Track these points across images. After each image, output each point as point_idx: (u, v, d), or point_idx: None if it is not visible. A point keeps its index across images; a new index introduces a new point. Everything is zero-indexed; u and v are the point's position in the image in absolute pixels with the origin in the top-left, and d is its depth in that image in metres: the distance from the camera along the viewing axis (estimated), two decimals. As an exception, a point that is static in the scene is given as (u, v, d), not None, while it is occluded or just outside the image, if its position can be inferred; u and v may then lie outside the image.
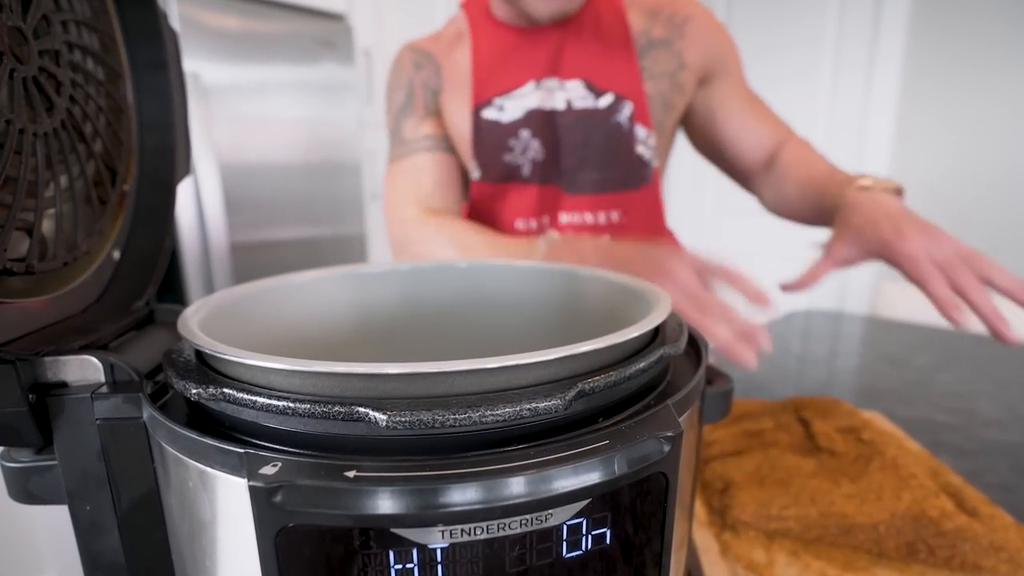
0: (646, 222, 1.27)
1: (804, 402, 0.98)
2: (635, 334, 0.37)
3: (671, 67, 1.19)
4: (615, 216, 1.24)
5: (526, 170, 1.22)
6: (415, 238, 1.17)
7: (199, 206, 2.16)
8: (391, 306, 0.62)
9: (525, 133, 1.19)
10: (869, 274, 2.85)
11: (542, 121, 1.19)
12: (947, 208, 2.62)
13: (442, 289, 0.63)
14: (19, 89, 0.38)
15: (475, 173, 1.23)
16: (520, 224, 1.25)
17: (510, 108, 1.18)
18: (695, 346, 0.48)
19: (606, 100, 1.17)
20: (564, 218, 1.24)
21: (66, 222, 0.44)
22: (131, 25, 0.53)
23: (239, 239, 2.29)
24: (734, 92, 1.25)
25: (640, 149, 1.21)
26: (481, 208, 1.27)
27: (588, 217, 1.23)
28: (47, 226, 0.42)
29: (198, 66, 2.11)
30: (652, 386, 0.40)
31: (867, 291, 2.86)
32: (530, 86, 1.18)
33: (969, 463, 0.93)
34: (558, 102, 1.18)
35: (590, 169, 1.21)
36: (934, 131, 2.61)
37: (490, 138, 1.19)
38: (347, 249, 2.68)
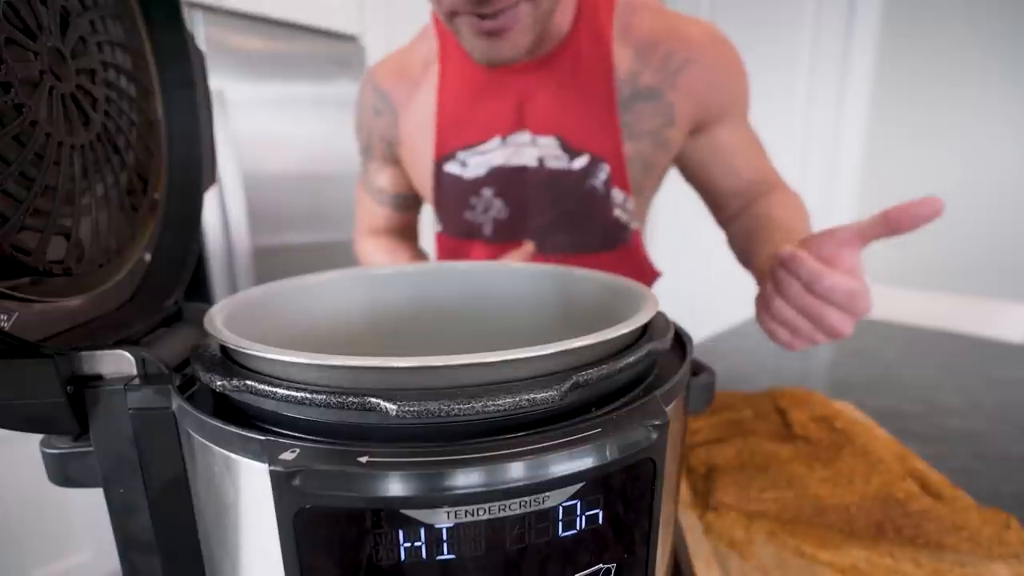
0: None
1: (781, 393, 0.98)
2: (625, 330, 0.37)
3: (656, 124, 0.97)
4: None
5: (487, 229, 1.08)
6: (362, 260, 1.23)
7: (224, 213, 2.16)
8: (399, 304, 0.62)
9: (487, 192, 1.04)
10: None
11: (507, 179, 1.02)
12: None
13: (446, 289, 0.63)
14: (58, 105, 0.38)
15: (437, 226, 1.12)
16: None
17: (473, 164, 1.02)
18: (681, 341, 0.48)
19: (580, 162, 0.98)
20: None
21: (101, 227, 0.44)
22: (161, 46, 0.53)
23: (260, 243, 2.29)
24: (730, 136, 1.01)
25: (618, 212, 1.03)
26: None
27: None
28: (84, 231, 0.42)
29: (223, 84, 2.11)
30: (641, 378, 0.40)
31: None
32: (495, 142, 1.01)
33: (933, 449, 0.93)
34: (528, 159, 1.00)
35: (562, 231, 1.05)
36: (903, 146, 2.62)
37: (451, 193, 1.06)
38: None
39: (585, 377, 0.33)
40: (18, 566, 1.90)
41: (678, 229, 3.44)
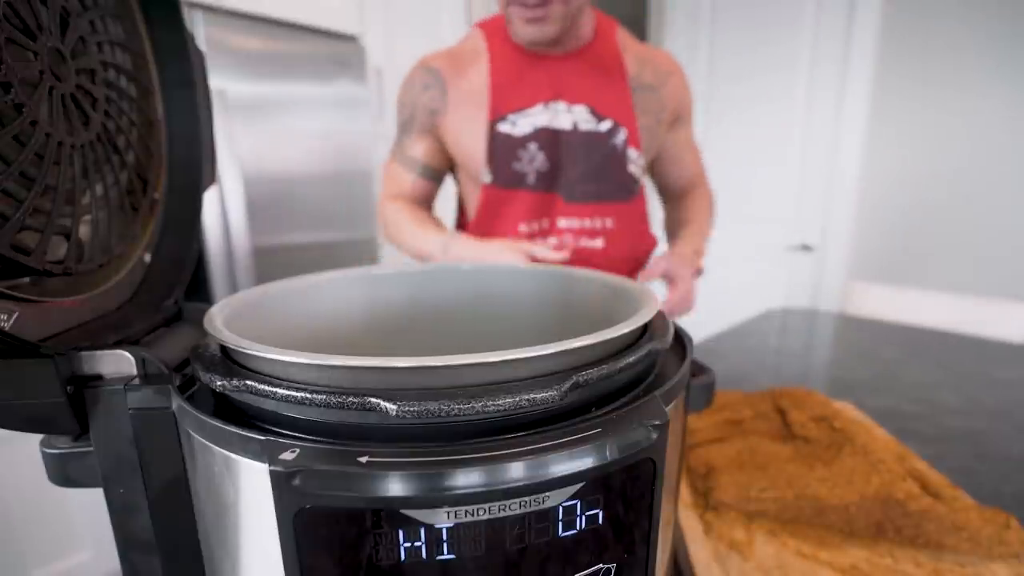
0: (634, 229, 1.36)
1: (781, 393, 0.98)
2: (625, 330, 0.37)
3: (656, 107, 1.32)
4: (609, 223, 1.32)
5: (531, 178, 1.29)
6: (387, 218, 1.37)
7: (224, 212, 2.16)
8: (400, 305, 0.62)
9: (533, 146, 1.26)
10: (841, 275, 2.85)
11: (548, 138, 1.26)
12: (912, 214, 2.62)
13: (447, 289, 0.63)
14: (58, 105, 0.38)
15: (487, 177, 1.29)
16: (523, 227, 1.31)
17: (521, 124, 1.26)
18: (681, 342, 0.48)
19: (606, 125, 1.28)
20: (563, 223, 1.31)
21: (101, 227, 0.44)
22: (161, 45, 0.53)
23: (260, 243, 2.29)
24: (686, 138, 1.45)
25: (632, 168, 1.31)
26: (490, 210, 1.32)
27: (587, 223, 1.31)
28: (84, 231, 0.42)
29: (223, 83, 2.10)
30: (641, 378, 0.40)
31: (839, 290, 2.86)
32: (539, 107, 1.25)
33: (933, 449, 0.93)
34: (565, 122, 1.27)
35: (589, 182, 1.30)
36: (901, 146, 2.62)
37: (502, 148, 1.26)
38: (360, 252, 2.67)
39: (585, 377, 0.33)
40: (18, 566, 1.90)
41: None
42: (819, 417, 0.89)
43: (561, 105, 1.27)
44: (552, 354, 0.33)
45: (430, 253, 1.24)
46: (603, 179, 1.30)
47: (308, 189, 2.44)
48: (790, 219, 3.02)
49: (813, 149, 2.88)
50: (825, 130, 2.82)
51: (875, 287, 2.63)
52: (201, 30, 2.03)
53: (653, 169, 1.49)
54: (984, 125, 2.43)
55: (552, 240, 1.31)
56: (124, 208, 0.48)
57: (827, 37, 2.74)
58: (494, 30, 1.31)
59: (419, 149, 1.34)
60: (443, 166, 1.39)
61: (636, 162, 1.31)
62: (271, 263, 2.33)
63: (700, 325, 3.06)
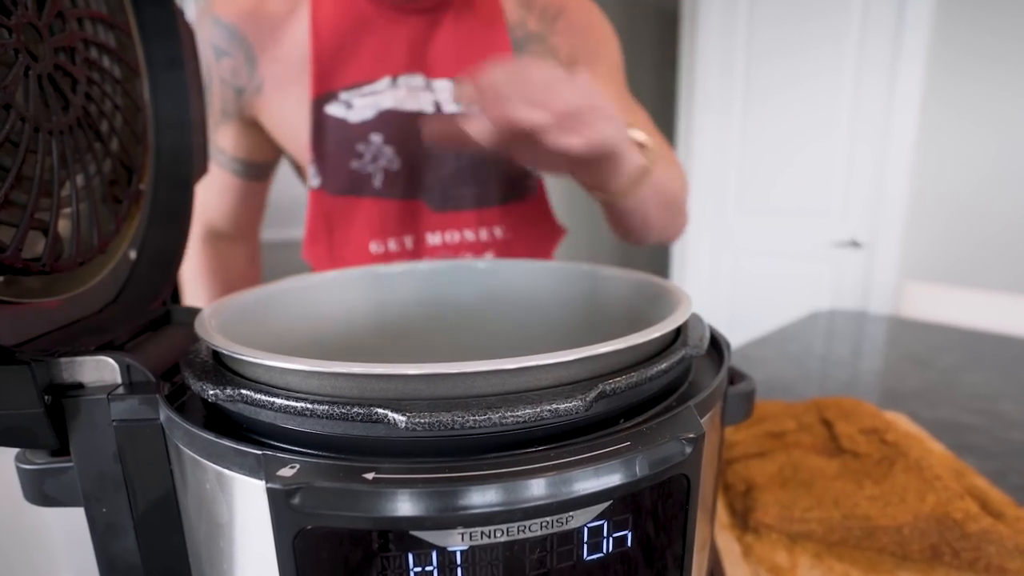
0: (534, 235, 1.14)
1: (827, 403, 0.97)
2: (657, 334, 0.37)
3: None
4: (498, 232, 1.10)
5: (377, 181, 1.04)
6: (184, 275, 1.17)
7: (215, 205, 2.17)
8: (409, 306, 0.62)
9: (376, 138, 1.01)
10: (893, 274, 2.83)
11: (400, 125, 1.01)
12: (971, 206, 2.60)
13: (461, 289, 0.63)
14: (34, 87, 0.38)
15: (314, 181, 1.04)
16: (375, 247, 1.07)
17: (359, 106, 1.00)
18: (717, 346, 0.48)
19: None
20: (433, 239, 1.08)
21: (82, 221, 0.44)
22: (148, 22, 0.53)
23: (255, 238, 2.30)
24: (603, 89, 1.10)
25: None
26: (323, 225, 1.07)
27: (468, 235, 1.08)
28: (63, 225, 0.42)
29: (214, 64, 2.11)
30: (674, 387, 0.40)
31: (891, 291, 2.85)
32: (384, 82, 1.00)
33: (994, 465, 0.92)
34: (424, 103, 1.02)
35: (465, 183, 1.07)
36: (959, 129, 2.59)
37: (334, 139, 1.01)
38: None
39: (612, 386, 0.33)
40: (-8, 590, 1.91)
41: (716, 228, 3.44)
42: (869, 430, 0.88)
43: (418, 79, 1.01)
44: (576, 360, 0.33)
45: None
46: (484, 178, 1.07)
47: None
48: (836, 212, 3.01)
49: (862, 133, 2.85)
50: (875, 111, 2.79)
51: (930, 287, 2.60)
52: (191, 5, 2.04)
53: None
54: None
55: (425, 262, 1.00)
56: (107, 200, 0.48)
57: (878, 7, 2.72)
58: None
59: (226, 138, 1.08)
60: (266, 157, 1.15)
61: None
62: (268, 261, 2.34)
63: (739, 329, 3.05)
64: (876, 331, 1.79)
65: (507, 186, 1.08)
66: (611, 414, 0.35)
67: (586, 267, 0.60)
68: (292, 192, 2.41)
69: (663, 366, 0.36)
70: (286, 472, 0.29)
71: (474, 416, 0.30)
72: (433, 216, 1.06)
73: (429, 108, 1.01)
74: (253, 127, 1.07)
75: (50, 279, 0.42)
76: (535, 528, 0.29)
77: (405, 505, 0.28)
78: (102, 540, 0.40)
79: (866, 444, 0.84)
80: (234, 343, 0.36)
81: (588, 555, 0.31)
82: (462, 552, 0.29)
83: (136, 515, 0.39)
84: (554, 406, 0.31)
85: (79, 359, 0.38)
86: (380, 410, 0.30)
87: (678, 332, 0.43)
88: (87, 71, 0.45)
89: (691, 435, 0.33)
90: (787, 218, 3.15)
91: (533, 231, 1.13)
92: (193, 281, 1.17)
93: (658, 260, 4.31)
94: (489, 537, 0.29)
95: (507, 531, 0.29)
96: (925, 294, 2.42)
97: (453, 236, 1.07)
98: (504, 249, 1.09)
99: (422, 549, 0.29)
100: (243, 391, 0.33)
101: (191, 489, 0.36)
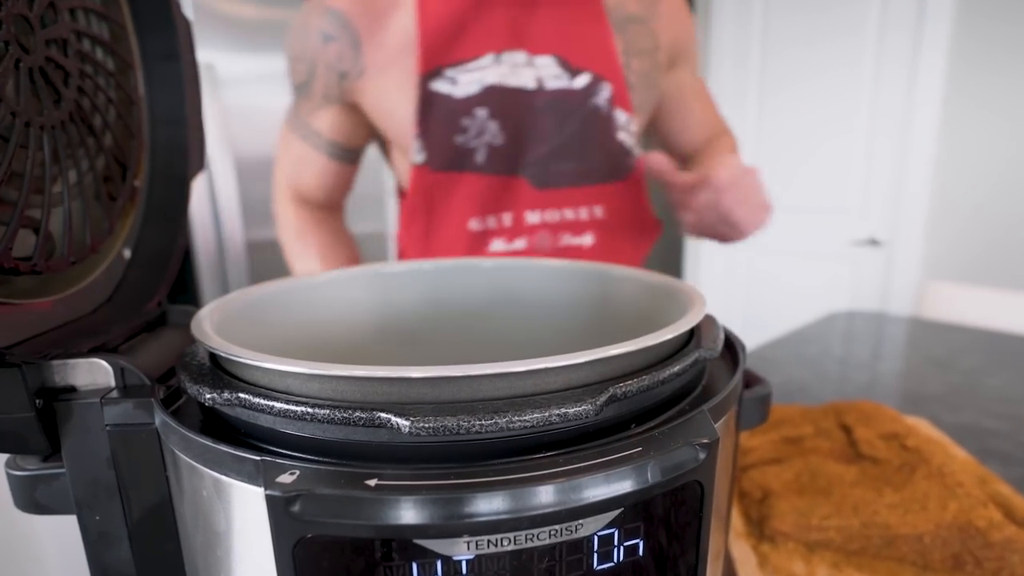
0: (632, 216, 1.19)
1: (846, 407, 0.97)
2: (669, 336, 0.36)
3: (649, 45, 1.13)
4: (599, 212, 1.14)
5: (480, 157, 1.08)
6: (282, 238, 1.23)
7: (213, 203, 2.17)
8: (413, 306, 0.62)
9: (481, 112, 1.06)
10: (914, 273, 2.83)
11: (503, 100, 1.06)
12: (995, 203, 2.59)
13: (467, 289, 0.63)
14: (25, 80, 0.38)
15: (417, 156, 1.08)
16: (474, 224, 1.11)
17: (464, 81, 1.05)
18: (732, 349, 0.48)
19: (582, 80, 1.08)
20: (533, 217, 1.12)
21: (75, 219, 0.44)
22: (142, 13, 0.53)
23: (255, 237, 2.30)
24: (691, 80, 1.25)
25: (622, 136, 1.12)
26: (424, 202, 1.12)
27: (568, 214, 1.13)
28: (55, 223, 0.42)
29: (212, 56, 2.12)
30: (687, 391, 0.40)
31: (911, 292, 2.84)
32: (488, 58, 1.06)
33: (1018, 471, 0.92)
34: (526, 80, 1.06)
35: (566, 159, 1.10)
36: (983, 123, 2.59)
37: (439, 114, 1.05)
38: (367, 247, 2.68)
39: (624, 389, 0.33)
40: (-18, 601, 1.92)
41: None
42: (889, 435, 0.88)
43: (520, 56, 1.06)
44: (586, 363, 0.33)
45: None
46: (585, 154, 1.10)
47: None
48: (855, 209, 3.00)
49: (882, 127, 2.85)
50: (896, 104, 2.79)
51: (953, 287, 2.60)
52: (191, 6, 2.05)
53: (653, 131, 1.28)
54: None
55: (521, 242, 1.12)
56: (100, 197, 0.48)
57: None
58: None
59: (324, 122, 1.14)
60: (359, 143, 1.20)
61: (627, 127, 1.12)
62: (267, 260, 2.35)
63: (754, 330, 3.05)
64: (896, 332, 1.78)
65: (605, 165, 1.13)
66: (622, 418, 0.35)
67: (596, 266, 0.60)
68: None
69: (676, 369, 0.36)
70: (286, 478, 0.29)
71: (480, 420, 0.29)
72: (534, 193, 1.11)
73: (531, 84, 1.07)
74: (351, 112, 1.14)
75: (41, 279, 0.42)
76: (543, 536, 0.29)
77: (409, 513, 0.28)
78: (95, 549, 0.40)
79: (886, 450, 0.84)
80: (232, 345, 0.36)
81: (598, 564, 0.31)
82: (468, 561, 0.29)
83: (130, 523, 0.39)
84: (563, 410, 0.31)
85: (71, 361, 0.38)
86: (383, 414, 0.30)
87: (691, 334, 0.43)
88: (80, 64, 0.45)
89: (705, 440, 0.32)
90: (804, 215, 3.15)
91: (632, 215, 1.18)
92: (296, 240, 1.24)
93: (671, 259, 4.30)
94: (496, 546, 0.29)
95: (514, 539, 0.29)
96: (947, 294, 2.42)
97: (553, 215, 1.12)
98: (603, 231, 1.15)
99: (426, 558, 0.29)
100: (241, 395, 0.33)
101: (187, 496, 0.36)
